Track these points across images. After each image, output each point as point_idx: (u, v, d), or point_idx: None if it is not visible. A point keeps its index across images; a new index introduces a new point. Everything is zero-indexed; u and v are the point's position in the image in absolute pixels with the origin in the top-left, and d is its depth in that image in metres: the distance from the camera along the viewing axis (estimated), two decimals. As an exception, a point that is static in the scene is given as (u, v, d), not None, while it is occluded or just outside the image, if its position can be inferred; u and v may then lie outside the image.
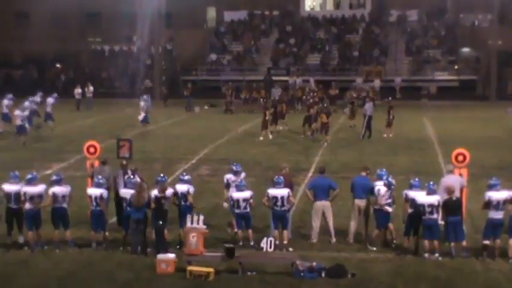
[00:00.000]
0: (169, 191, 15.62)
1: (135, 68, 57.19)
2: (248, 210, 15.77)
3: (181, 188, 16.03)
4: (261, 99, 43.14)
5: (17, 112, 30.96)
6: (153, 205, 15.30)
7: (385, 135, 31.84)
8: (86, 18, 64.66)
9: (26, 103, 33.06)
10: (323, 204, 16.03)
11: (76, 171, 23.15)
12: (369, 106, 32.29)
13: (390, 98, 33.43)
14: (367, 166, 17.04)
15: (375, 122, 32.23)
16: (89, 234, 15.99)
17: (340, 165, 25.17)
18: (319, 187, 16.13)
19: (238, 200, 15.75)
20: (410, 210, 15.27)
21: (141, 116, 33.25)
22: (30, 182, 15.74)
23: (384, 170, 16.40)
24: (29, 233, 15.56)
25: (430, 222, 14.97)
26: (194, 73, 56.94)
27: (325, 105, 32.14)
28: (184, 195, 15.95)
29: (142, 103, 33.84)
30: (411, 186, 15.57)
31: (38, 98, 35.94)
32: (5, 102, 34.39)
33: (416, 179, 15.87)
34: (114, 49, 62.53)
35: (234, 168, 16.91)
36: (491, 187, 15.06)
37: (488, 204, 14.91)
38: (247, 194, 15.78)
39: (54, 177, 16.11)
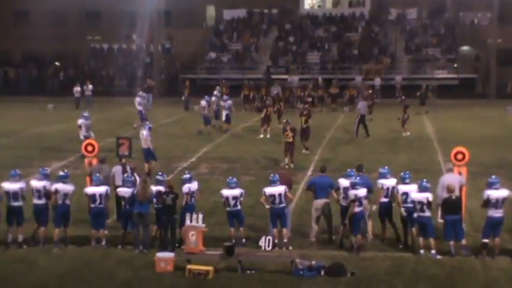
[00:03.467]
0: (186, 187, 15.79)
1: (134, 67, 57.18)
2: (239, 208, 15.77)
3: (194, 186, 16.04)
4: (262, 97, 43.19)
5: (202, 103, 33.05)
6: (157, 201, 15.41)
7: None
8: (85, 16, 64.67)
9: (213, 98, 34.35)
10: (323, 203, 16.03)
11: (76, 170, 23.11)
12: (361, 105, 32.36)
13: (403, 97, 33.21)
14: (362, 165, 17.09)
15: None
16: (88, 232, 15.99)
17: (339, 163, 25.13)
18: (319, 185, 16.14)
19: (228, 198, 15.76)
20: (385, 200, 15.75)
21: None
22: (63, 179, 15.86)
23: (386, 167, 16.42)
24: (55, 229, 15.59)
25: (421, 219, 15.03)
26: (193, 71, 56.93)
27: (288, 121, 25.33)
28: (194, 193, 16.01)
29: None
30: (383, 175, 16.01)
31: (218, 94, 37.14)
32: (138, 99, 35.18)
33: (386, 168, 16.28)
34: (113, 47, 62.48)
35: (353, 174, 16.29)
36: (490, 185, 15.06)
37: (488, 203, 14.91)
38: (236, 192, 15.77)
39: (60, 173, 16.20)
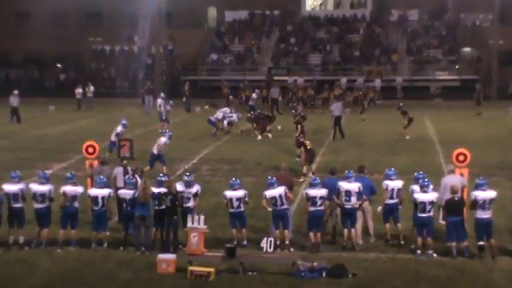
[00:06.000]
0: (195, 188, 15.90)
1: (135, 68, 57.17)
2: (242, 209, 15.80)
3: (194, 189, 16.04)
4: (263, 99, 43.31)
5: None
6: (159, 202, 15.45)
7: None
8: (86, 17, 64.62)
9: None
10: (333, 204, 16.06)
11: (77, 171, 22.99)
12: (336, 106, 32.24)
13: (401, 104, 33.18)
14: (364, 166, 17.17)
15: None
16: (89, 234, 15.97)
17: (341, 165, 25.08)
18: (328, 187, 16.12)
19: (231, 199, 15.77)
20: (391, 201, 15.77)
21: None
22: (71, 180, 15.89)
23: (393, 169, 16.46)
24: (61, 231, 15.61)
25: (426, 220, 15.05)
26: (195, 73, 56.91)
27: (296, 134, 25.12)
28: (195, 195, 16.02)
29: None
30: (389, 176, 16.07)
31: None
32: (159, 101, 35.45)
33: (392, 169, 16.29)
34: (114, 49, 62.49)
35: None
36: (477, 187, 15.08)
37: (475, 204, 14.91)
38: (240, 193, 15.79)
39: (67, 175, 16.26)
